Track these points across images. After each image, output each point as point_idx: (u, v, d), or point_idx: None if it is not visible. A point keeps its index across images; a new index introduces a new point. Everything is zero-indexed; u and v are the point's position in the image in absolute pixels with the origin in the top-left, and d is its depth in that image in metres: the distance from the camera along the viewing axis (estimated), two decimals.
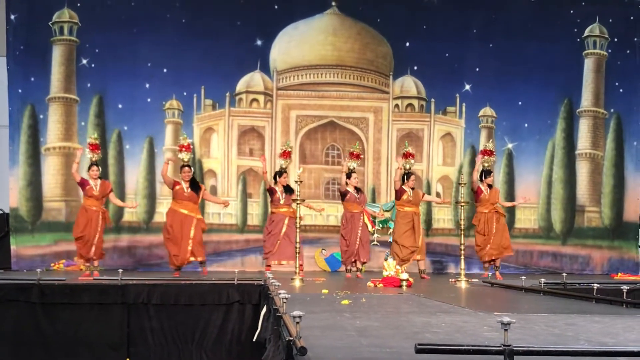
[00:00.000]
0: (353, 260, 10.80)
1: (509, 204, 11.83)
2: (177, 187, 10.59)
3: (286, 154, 10.93)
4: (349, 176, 10.81)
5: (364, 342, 4.04)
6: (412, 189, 10.72)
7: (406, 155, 10.76)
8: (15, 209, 12.20)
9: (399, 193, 10.80)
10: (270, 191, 10.86)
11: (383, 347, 3.84)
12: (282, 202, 10.74)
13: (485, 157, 11.00)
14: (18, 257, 12.04)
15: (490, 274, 10.82)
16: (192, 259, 10.47)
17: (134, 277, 9.13)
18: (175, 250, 10.40)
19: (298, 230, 9.62)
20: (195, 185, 10.69)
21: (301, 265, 10.41)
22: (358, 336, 4.25)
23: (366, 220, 10.84)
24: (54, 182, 12.38)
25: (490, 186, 11.00)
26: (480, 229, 10.92)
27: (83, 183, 10.33)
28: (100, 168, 10.43)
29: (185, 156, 10.61)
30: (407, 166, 10.72)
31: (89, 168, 10.35)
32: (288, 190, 10.77)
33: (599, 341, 4.14)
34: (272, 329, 5.33)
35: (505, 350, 3.07)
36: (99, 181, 10.32)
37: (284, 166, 10.90)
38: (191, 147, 10.93)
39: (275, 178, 10.92)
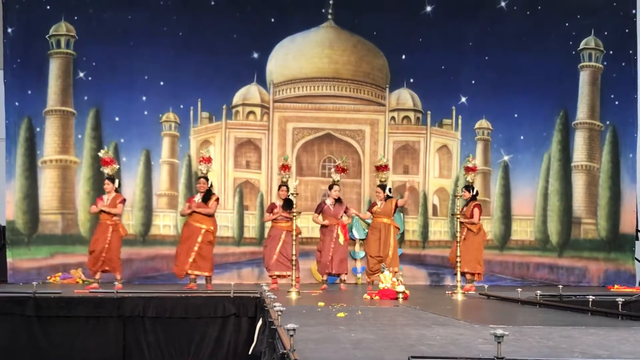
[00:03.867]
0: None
1: None
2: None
3: (285, 168, 10.91)
4: (331, 188, 10.89)
5: (358, 354, 4.04)
6: (386, 199, 10.67)
7: (381, 169, 10.83)
8: (11, 221, 12.19)
9: (371, 205, 10.95)
10: (271, 207, 10.89)
11: None
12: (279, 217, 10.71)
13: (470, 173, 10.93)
14: (14, 270, 12.03)
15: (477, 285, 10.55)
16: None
17: (130, 290, 9.11)
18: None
19: (295, 242, 9.61)
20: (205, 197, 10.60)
21: (297, 278, 10.41)
22: (352, 349, 4.24)
23: (339, 232, 10.80)
24: (50, 195, 12.38)
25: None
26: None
27: (99, 200, 10.48)
28: (110, 182, 10.44)
29: (203, 168, 10.64)
30: (383, 178, 10.81)
31: (104, 182, 10.48)
32: (287, 204, 10.70)
33: (593, 353, 4.14)
34: (267, 342, 5.33)
35: None
36: (112, 194, 10.37)
37: (284, 180, 10.86)
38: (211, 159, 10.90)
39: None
